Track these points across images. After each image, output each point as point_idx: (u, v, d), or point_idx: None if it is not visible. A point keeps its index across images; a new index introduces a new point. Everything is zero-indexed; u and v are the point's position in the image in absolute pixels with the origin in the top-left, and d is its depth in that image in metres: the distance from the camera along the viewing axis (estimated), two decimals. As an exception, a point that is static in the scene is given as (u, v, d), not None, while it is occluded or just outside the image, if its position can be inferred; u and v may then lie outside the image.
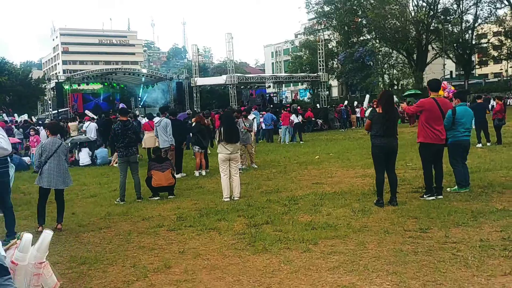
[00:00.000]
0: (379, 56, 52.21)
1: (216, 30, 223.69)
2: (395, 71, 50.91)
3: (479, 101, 15.08)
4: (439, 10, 51.48)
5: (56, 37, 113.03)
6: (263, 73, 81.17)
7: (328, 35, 62.51)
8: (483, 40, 54.29)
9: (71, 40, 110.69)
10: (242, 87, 35.63)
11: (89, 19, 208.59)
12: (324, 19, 60.78)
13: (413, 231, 5.58)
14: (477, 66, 57.98)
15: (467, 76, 52.34)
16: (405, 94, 31.71)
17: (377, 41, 53.73)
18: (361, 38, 56.95)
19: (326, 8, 58.92)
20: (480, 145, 14.00)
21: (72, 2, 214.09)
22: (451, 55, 52.25)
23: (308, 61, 58.99)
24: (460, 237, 5.21)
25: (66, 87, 35.62)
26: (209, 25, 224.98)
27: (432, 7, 50.73)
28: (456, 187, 7.78)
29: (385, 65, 51.32)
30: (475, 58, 55.28)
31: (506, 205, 6.49)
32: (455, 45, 49.68)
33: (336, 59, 58.53)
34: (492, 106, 22.34)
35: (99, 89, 41.74)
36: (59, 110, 32.23)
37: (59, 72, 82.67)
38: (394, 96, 9.63)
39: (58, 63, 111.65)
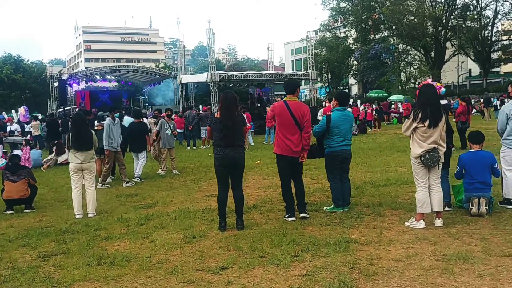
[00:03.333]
0: (396, 54, 51.01)
1: (242, 28, 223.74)
2: (412, 68, 49.52)
3: (442, 102, 14.29)
4: (458, 6, 50.00)
5: (79, 35, 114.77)
6: (283, 70, 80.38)
7: (345, 32, 61.73)
8: (504, 37, 52.45)
9: (93, 38, 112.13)
10: (246, 85, 35.12)
11: (111, 17, 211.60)
12: (341, 16, 59.87)
13: (205, 271, 4.59)
14: (499, 64, 55.88)
15: (486, 74, 50.63)
16: (369, 94, 31.28)
17: (394, 38, 52.54)
18: (379, 35, 55.83)
19: (343, 5, 57.98)
20: None
21: (95, 0, 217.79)
22: (470, 53, 50.61)
23: (324, 59, 58.34)
24: (243, 283, 4.25)
25: (76, 85, 35.94)
26: (234, 23, 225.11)
27: (450, 2, 49.29)
28: (332, 206, 6.75)
29: (402, 63, 50.02)
30: (499, 55, 53.34)
31: (363, 234, 5.48)
32: (473, 42, 48.05)
33: (352, 56, 57.52)
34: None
35: (110, 86, 42.01)
36: (65, 108, 32.42)
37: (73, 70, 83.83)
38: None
39: (81, 61, 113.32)
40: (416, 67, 49.55)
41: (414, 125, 5.59)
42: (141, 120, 12.36)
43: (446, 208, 6.32)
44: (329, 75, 61.86)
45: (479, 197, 5.93)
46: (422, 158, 5.53)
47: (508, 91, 8.34)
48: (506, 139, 6.36)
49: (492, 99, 31.14)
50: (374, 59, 51.78)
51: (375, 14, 53.54)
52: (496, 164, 6.26)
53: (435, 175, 5.68)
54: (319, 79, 65.87)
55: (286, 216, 6.47)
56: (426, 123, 5.47)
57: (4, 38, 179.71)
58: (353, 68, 58.42)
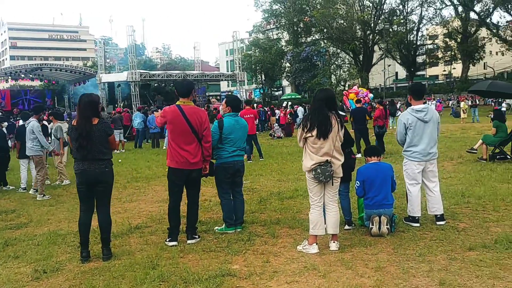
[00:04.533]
0: (326, 56, 51.67)
1: (179, 27, 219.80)
2: (342, 71, 50.32)
3: (358, 105, 13.94)
4: (385, 11, 51.48)
5: (4, 31, 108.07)
6: (217, 70, 79.28)
7: (277, 34, 61.91)
8: (428, 42, 54.68)
9: (20, 35, 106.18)
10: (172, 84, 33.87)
11: (39, 14, 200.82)
12: (274, 18, 59.96)
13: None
14: (425, 67, 58.23)
15: (412, 77, 52.48)
16: (283, 97, 31.47)
17: (325, 41, 53.26)
18: (310, 38, 56.42)
19: (275, 7, 58.04)
20: (359, 155, 12.44)
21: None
22: (396, 56, 52.27)
23: (257, 60, 58.17)
24: None
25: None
26: (172, 22, 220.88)
27: (378, 7, 50.65)
28: (223, 225, 5.95)
29: (332, 66, 50.72)
30: (424, 59, 55.49)
31: (247, 263, 4.71)
32: (399, 45, 49.64)
33: (285, 58, 57.68)
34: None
35: (36, 85, 39.33)
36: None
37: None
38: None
39: (6, 59, 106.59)
40: (345, 70, 50.41)
41: (304, 135, 4.86)
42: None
43: (347, 227, 5.65)
44: (263, 77, 61.85)
45: (380, 214, 5.28)
46: (314, 172, 4.79)
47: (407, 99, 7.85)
48: (406, 151, 5.75)
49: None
50: (305, 61, 52.23)
51: (307, 17, 54.04)
52: (394, 176, 5.62)
53: (331, 192, 4.96)
54: (253, 80, 66.09)
55: (167, 240, 5.53)
56: (314, 133, 4.75)
57: None
58: (286, 70, 58.64)
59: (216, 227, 6.03)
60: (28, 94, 37.96)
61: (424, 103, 5.99)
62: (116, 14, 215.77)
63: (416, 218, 5.66)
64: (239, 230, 5.88)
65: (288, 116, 24.52)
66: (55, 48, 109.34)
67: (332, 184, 4.89)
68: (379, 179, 5.44)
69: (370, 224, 5.31)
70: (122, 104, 31.70)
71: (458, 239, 5.05)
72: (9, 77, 36.65)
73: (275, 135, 21.70)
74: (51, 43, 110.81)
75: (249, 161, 12.40)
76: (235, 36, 34.50)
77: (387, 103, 20.72)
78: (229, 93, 49.39)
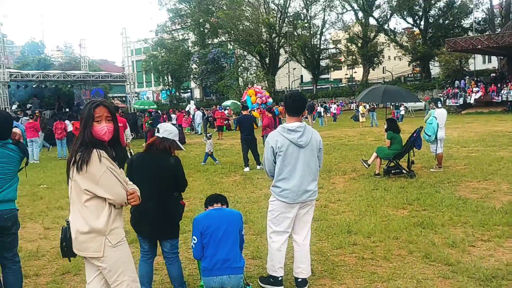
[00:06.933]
0: (234, 58, 50.62)
1: (85, 25, 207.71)
2: (248, 74, 49.44)
3: (244, 112, 12.54)
4: (290, 14, 51.50)
5: None
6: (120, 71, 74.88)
7: (183, 35, 59.84)
8: (331, 46, 55.68)
9: None
10: (70, 85, 30.60)
11: None
12: (179, 18, 57.78)
13: None
14: (328, 71, 59.24)
15: (316, 80, 53.05)
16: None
17: (231, 43, 52.23)
18: (217, 39, 55.10)
19: (180, 6, 55.88)
20: (247, 168, 11.38)
21: None
22: (301, 59, 52.53)
23: (163, 61, 55.73)
24: None
25: None
26: (78, 20, 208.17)
27: (282, 10, 50.54)
28: None
29: (240, 68, 49.70)
30: (327, 63, 56.32)
31: None
32: (303, 49, 49.89)
33: (192, 60, 55.79)
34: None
35: None
36: None
37: None
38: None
39: None
40: (252, 72, 49.63)
41: None
42: None
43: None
44: (170, 78, 59.42)
45: (223, 284, 3.69)
46: None
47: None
48: (275, 186, 4.15)
49: (315, 105, 31.42)
50: (213, 63, 51.02)
51: (213, 18, 52.61)
52: (243, 228, 3.97)
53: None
54: (160, 81, 63.14)
55: None
56: None
57: None
58: (193, 71, 56.79)
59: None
60: None
61: (302, 121, 4.36)
62: (14, 10, 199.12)
63: (279, 279, 4.13)
64: None
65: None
66: None
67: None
68: (221, 231, 3.78)
69: (211, 296, 3.69)
70: None
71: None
72: None
73: None
74: None
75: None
76: (123, 33, 31.91)
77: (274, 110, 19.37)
78: (136, 95, 46.33)
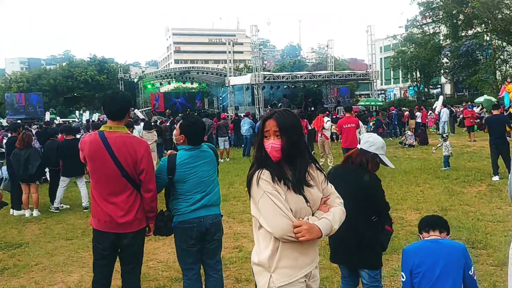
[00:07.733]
0: (490, 50, 46.10)
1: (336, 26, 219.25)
2: (507, 66, 44.38)
3: (495, 112, 11.19)
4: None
5: (169, 37, 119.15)
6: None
7: (433, 28, 57.28)
8: None
9: (182, 39, 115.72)
10: (317, 85, 33.28)
11: (200, 19, 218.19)
12: (430, 12, 55.60)
13: None
14: None
15: None
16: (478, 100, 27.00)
17: (488, 33, 47.60)
18: (471, 31, 51.05)
19: (431, -1, 53.82)
20: (496, 177, 10.33)
21: (185, 2, 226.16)
22: None
23: (411, 56, 54.56)
24: None
25: (149, 86, 36.84)
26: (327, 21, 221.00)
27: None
28: None
29: (497, 60, 45.04)
30: None
31: None
32: None
33: (442, 54, 53.22)
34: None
35: (180, 88, 42.27)
36: (138, 110, 32.45)
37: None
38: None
39: (171, 62, 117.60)
40: (512, 65, 44.35)
41: None
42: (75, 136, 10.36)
43: None
44: (418, 74, 57.77)
45: None
46: None
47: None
48: None
49: None
50: (465, 56, 47.74)
51: (468, 8, 48.92)
52: (471, 267, 3.06)
53: None
54: (408, 77, 61.85)
55: None
56: None
57: (102, 42, 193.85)
58: (443, 66, 53.95)
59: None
60: (180, 97, 39.64)
61: None
62: (274, 17, 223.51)
63: None
64: None
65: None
66: (215, 52, 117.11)
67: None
68: (437, 271, 3.01)
69: None
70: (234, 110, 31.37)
71: None
72: (163, 79, 39.67)
73: (406, 143, 19.24)
74: (211, 47, 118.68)
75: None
76: (369, 31, 32.43)
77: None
78: (383, 92, 46.93)
